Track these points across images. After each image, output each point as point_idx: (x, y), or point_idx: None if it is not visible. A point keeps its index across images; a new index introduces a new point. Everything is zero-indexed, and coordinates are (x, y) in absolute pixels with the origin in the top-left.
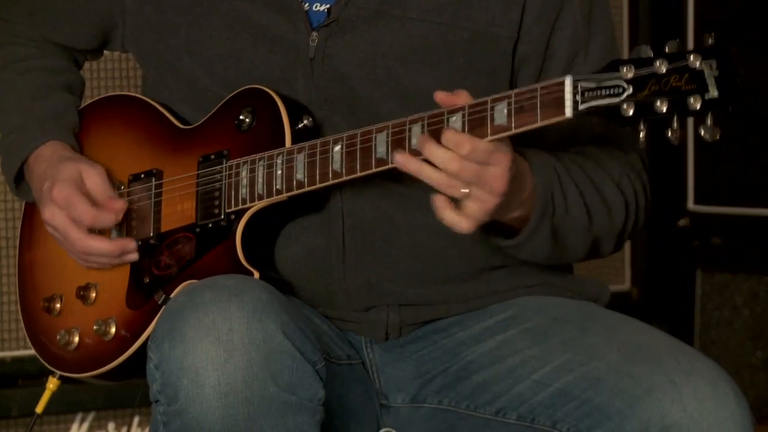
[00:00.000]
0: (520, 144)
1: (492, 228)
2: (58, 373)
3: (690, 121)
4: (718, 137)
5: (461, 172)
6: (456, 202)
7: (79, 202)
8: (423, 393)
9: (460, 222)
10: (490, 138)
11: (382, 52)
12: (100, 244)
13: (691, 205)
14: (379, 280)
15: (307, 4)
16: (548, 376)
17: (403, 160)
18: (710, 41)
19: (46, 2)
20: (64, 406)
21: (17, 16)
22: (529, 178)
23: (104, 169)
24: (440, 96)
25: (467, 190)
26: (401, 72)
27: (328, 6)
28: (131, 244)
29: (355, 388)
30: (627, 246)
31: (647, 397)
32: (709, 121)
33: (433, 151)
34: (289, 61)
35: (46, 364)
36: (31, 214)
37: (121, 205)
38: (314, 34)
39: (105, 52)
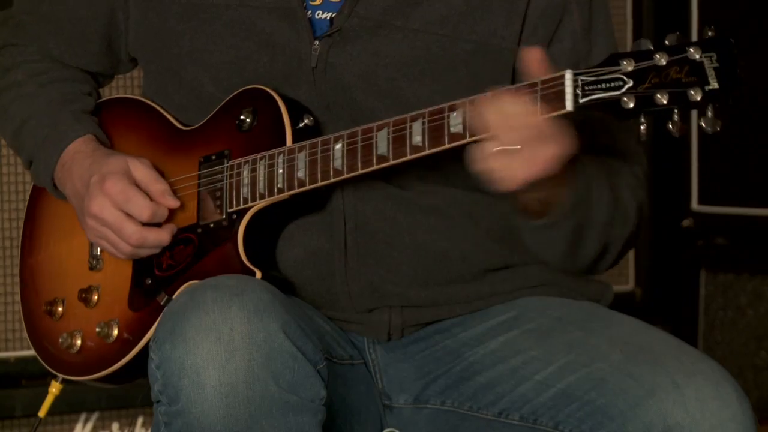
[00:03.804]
0: None
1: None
2: (61, 376)
3: (694, 120)
4: (719, 129)
5: (523, 130)
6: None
7: (137, 196)
8: (426, 394)
9: (500, 166)
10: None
11: (383, 62)
12: (159, 236)
13: (695, 205)
14: (381, 281)
15: (310, 12)
16: (551, 377)
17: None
18: (710, 33)
19: (53, 25)
20: (68, 406)
21: (27, 41)
22: (569, 164)
23: (150, 161)
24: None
25: (519, 147)
26: (403, 83)
27: (330, 15)
28: (174, 228)
29: (358, 388)
30: None
31: (649, 398)
32: (710, 113)
33: (506, 102)
34: (292, 70)
35: (49, 368)
36: (32, 218)
37: (174, 202)
38: (316, 43)
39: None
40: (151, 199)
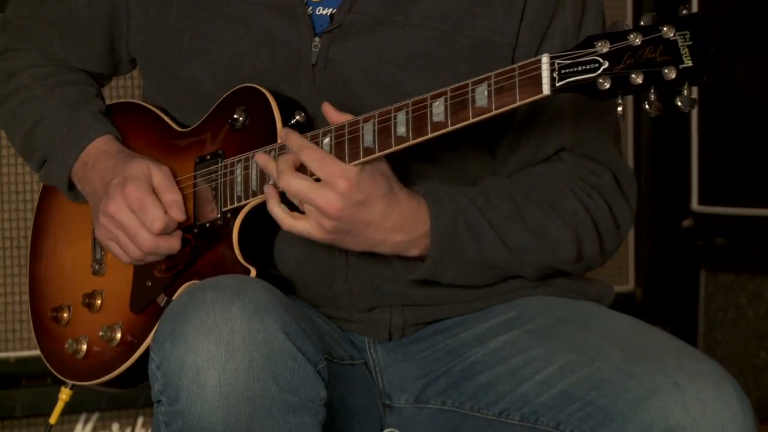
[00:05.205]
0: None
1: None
2: (70, 383)
3: (694, 121)
4: (695, 107)
5: (289, 185)
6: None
7: (153, 207)
8: (426, 393)
9: (282, 219)
10: (389, 150)
11: (384, 58)
12: (170, 244)
13: (695, 205)
14: (382, 280)
15: (310, 8)
16: (552, 377)
17: (260, 159)
18: (684, 12)
19: (56, 27)
20: (68, 407)
21: (29, 45)
22: (425, 219)
23: (169, 170)
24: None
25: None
26: (403, 78)
27: (331, 11)
28: (181, 233)
29: (358, 388)
30: (631, 246)
31: (650, 398)
32: (685, 92)
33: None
34: (291, 66)
35: (58, 374)
36: (39, 225)
37: (181, 215)
38: (317, 39)
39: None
40: (165, 210)
